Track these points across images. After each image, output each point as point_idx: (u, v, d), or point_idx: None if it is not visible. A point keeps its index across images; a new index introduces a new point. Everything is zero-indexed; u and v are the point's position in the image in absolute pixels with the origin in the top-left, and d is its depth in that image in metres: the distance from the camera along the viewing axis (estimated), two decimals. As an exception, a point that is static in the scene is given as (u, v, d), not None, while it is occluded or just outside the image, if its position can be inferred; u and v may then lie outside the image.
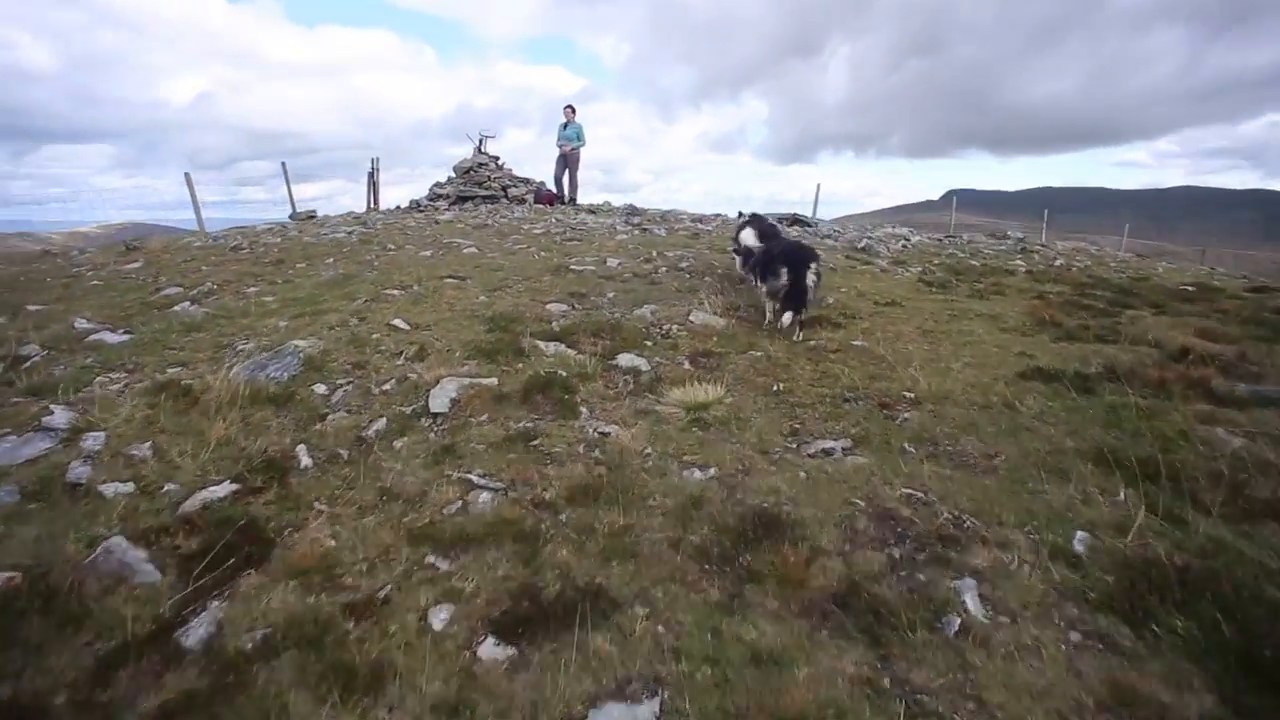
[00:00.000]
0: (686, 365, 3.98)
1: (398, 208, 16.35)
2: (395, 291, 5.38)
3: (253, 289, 5.68)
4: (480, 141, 17.27)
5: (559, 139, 14.55)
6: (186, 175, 15.06)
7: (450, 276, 5.95)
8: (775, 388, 3.63)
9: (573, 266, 6.33)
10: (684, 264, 6.63)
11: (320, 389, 3.60)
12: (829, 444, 3.01)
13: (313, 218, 16.38)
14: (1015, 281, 7.09)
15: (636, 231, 9.17)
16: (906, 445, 2.97)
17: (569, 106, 14.34)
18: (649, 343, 4.34)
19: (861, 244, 9.10)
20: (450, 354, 4.02)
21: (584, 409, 3.39)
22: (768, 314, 4.78)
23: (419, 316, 4.70)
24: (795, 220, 14.62)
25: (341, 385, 3.65)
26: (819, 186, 20.11)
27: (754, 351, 4.17)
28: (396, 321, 4.52)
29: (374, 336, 4.28)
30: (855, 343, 4.32)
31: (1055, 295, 6.24)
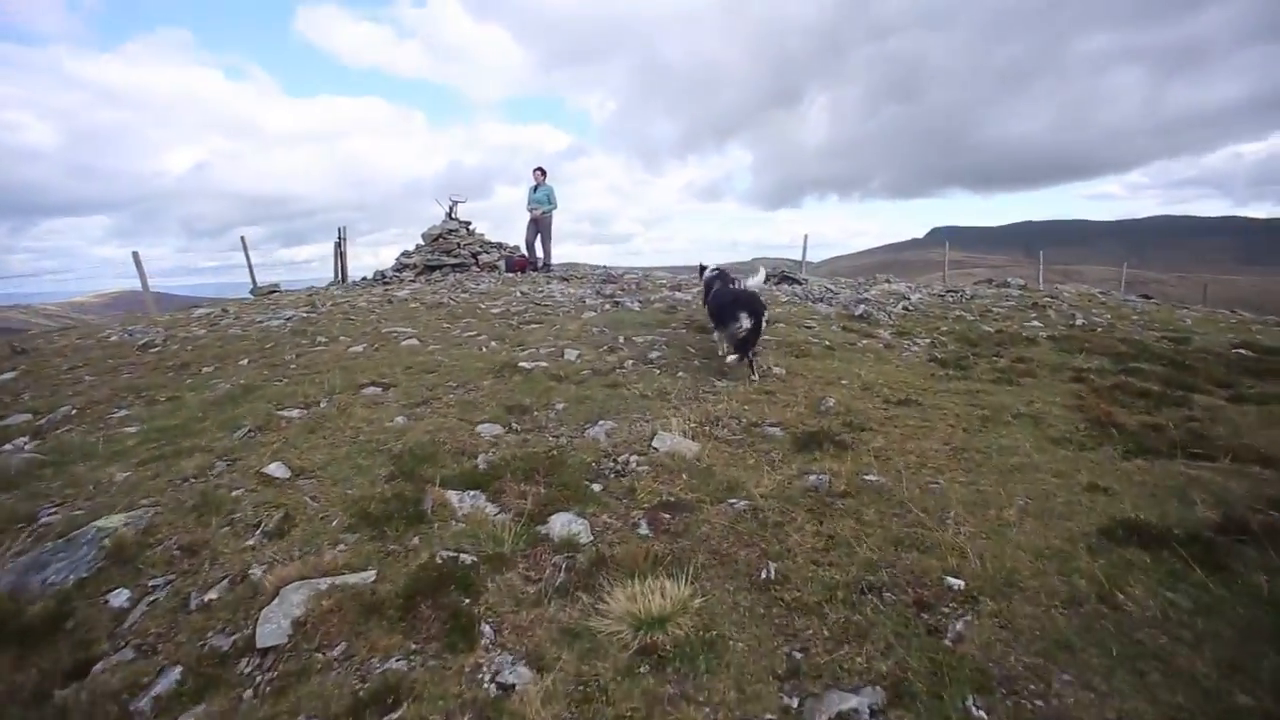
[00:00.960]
0: (643, 527, 2.91)
1: (364, 279, 15.51)
2: (294, 413, 4.34)
3: (122, 412, 4.63)
4: (451, 207, 16.60)
5: (529, 203, 13.83)
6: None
7: (373, 384, 4.93)
8: (764, 572, 2.56)
9: (522, 364, 5.33)
10: (654, 352, 5.64)
11: (116, 600, 2.51)
12: (850, 701, 1.93)
13: (274, 292, 15.49)
14: (1041, 354, 6.12)
15: (608, 305, 8.24)
16: (969, 701, 1.89)
17: (538, 169, 13.66)
18: (597, 486, 3.29)
19: (859, 311, 8.18)
20: (324, 524, 2.95)
21: (486, 627, 2.31)
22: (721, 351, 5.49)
23: (307, 455, 3.64)
24: (784, 278, 13.80)
25: (152, 592, 2.56)
26: (806, 238, 19.46)
27: (735, 499, 3.11)
28: (272, 468, 3.46)
29: (234, 494, 3.21)
30: (868, 477, 3.27)
31: (1096, 374, 5.25)
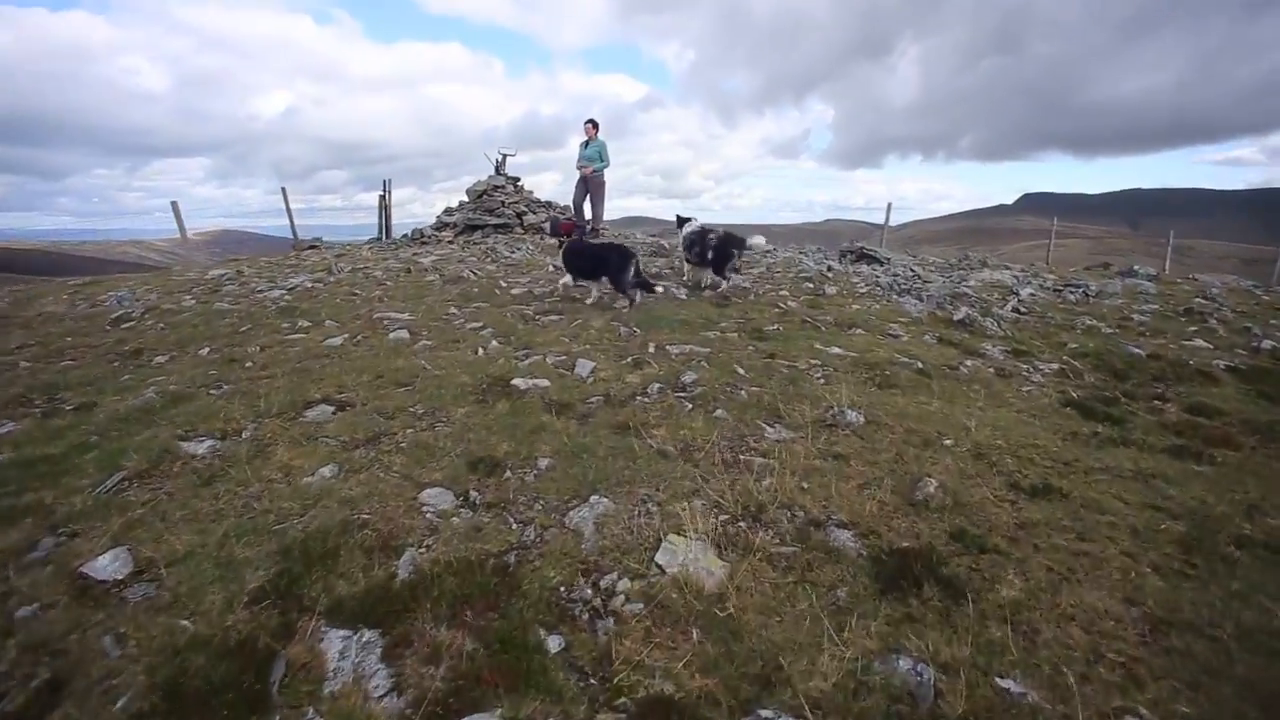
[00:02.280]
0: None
1: (404, 236, 14.65)
2: (201, 447, 3.30)
3: (7, 427, 3.72)
4: (499, 161, 15.39)
5: (579, 160, 12.44)
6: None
7: (323, 401, 3.85)
8: None
9: (518, 380, 4.13)
10: (690, 374, 4.31)
11: None
12: None
13: (313, 248, 14.88)
14: (1230, 401, 4.43)
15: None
16: None
17: (590, 122, 12.22)
18: (554, 643, 2.08)
19: (960, 314, 6.53)
20: (105, 704, 1.87)
21: None
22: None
23: (172, 534, 2.57)
24: (862, 256, 12.04)
25: None
26: (889, 209, 17.34)
27: (770, 709, 1.84)
28: (103, 561, 2.41)
29: (16, 616, 2.19)
30: (1004, 684, 1.92)
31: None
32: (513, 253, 10.18)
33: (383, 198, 16.20)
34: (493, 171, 15.32)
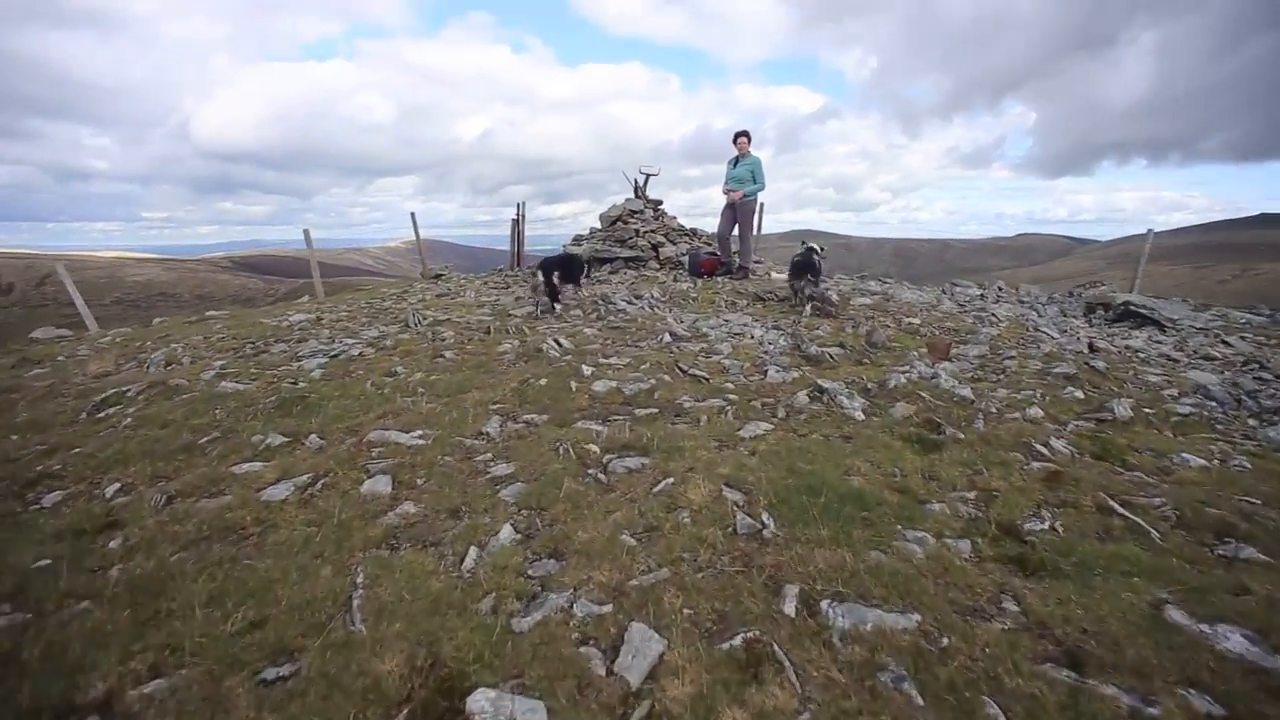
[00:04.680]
0: None
1: (529, 269, 13.19)
2: None
3: None
4: (642, 181, 13.42)
5: (725, 182, 10.05)
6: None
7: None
8: None
9: (477, 704, 1.85)
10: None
11: None
12: None
13: (440, 277, 13.94)
14: None
15: (804, 395, 4.37)
16: None
17: (741, 134, 9.76)
18: None
19: None
20: None
21: None
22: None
23: None
24: (1127, 314, 8.36)
25: None
26: (1147, 249, 12.86)
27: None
28: None
29: None
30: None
31: None
32: (630, 303, 8.01)
33: (515, 222, 14.97)
34: (632, 194, 13.39)
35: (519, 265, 14.34)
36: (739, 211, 9.94)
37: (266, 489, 3.28)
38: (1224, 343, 6.85)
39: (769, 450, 3.61)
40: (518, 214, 14.98)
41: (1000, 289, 11.81)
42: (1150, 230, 13.00)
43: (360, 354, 6.02)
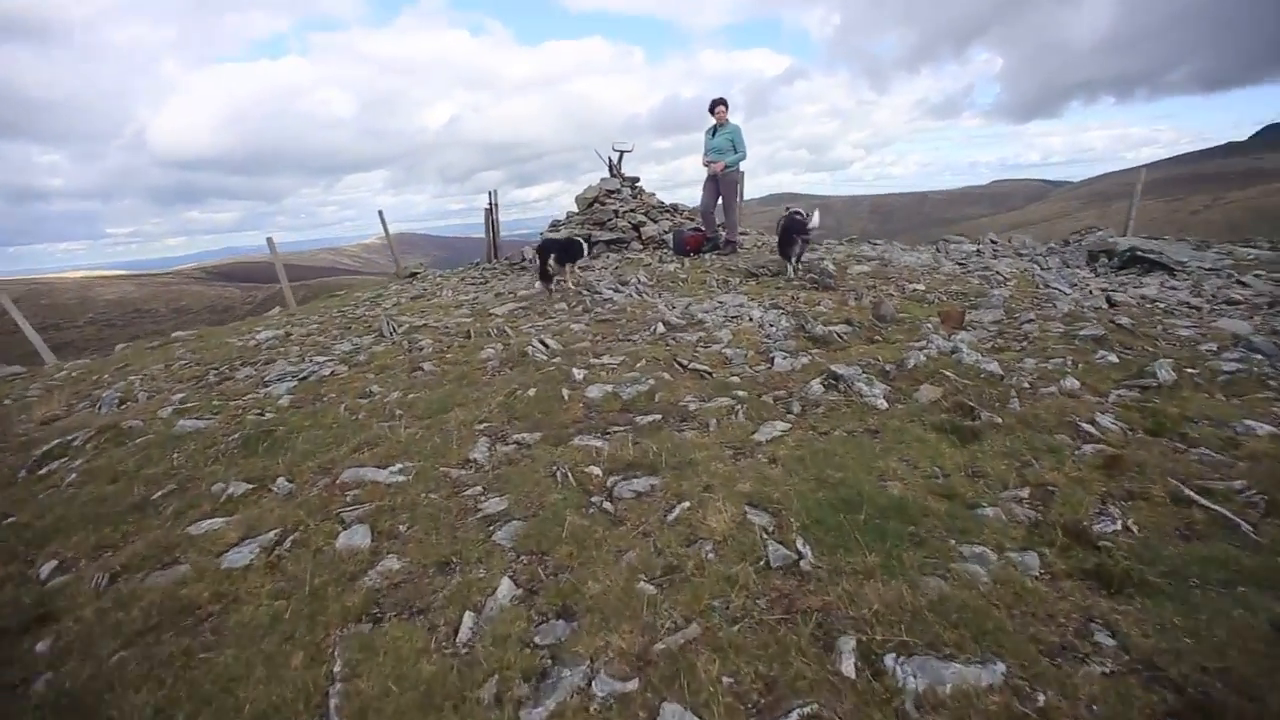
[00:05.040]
0: None
1: (506, 259, 12.67)
2: None
3: None
4: (616, 159, 12.87)
5: (705, 153, 9.57)
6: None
7: None
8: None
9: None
10: None
11: None
12: None
13: (415, 275, 13.39)
14: None
15: (819, 387, 4.00)
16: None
17: (718, 102, 9.24)
18: None
19: None
20: None
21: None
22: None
23: None
24: (1134, 259, 8.05)
25: None
26: (1139, 188, 12.53)
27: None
28: None
29: None
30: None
31: None
32: (617, 290, 7.58)
33: (489, 211, 14.38)
34: (607, 173, 12.84)
35: (496, 257, 13.80)
36: (721, 183, 9.45)
37: (228, 553, 2.86)
38: (1240, 283, 6.55)
39: (791, 455, 3.24)
40: (490, 203, 14.39)
41: (994, 242, 11.47)
42: (1142, 168, 12.66)
43: (332, 373, 5.57)
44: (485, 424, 4.03)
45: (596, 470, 3.24)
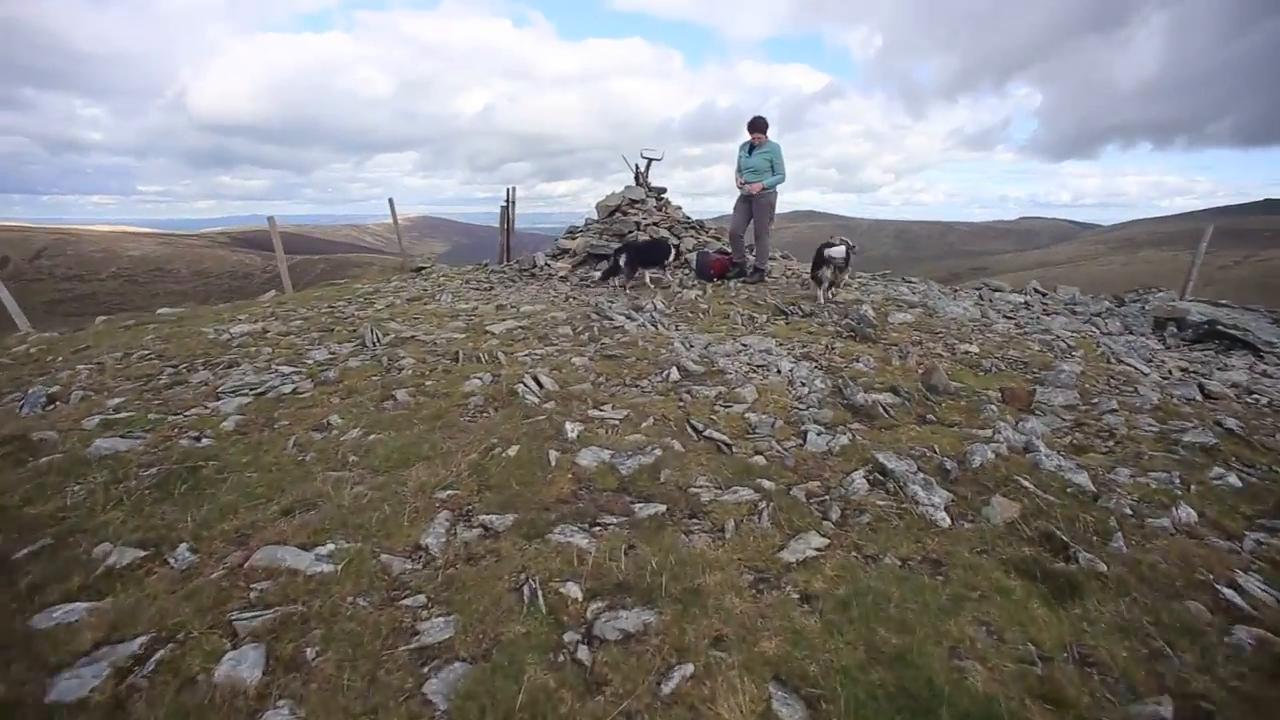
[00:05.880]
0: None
1: (517, 263, 11.96)
2: None
3: None
4: (643, 166, 12.14)
5: (738, 172, 8.82)
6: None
7: None
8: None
9: None
10: None
11: None
12: None
13: (420, 271, 12.73)
14: None
15: (861, 482, 3.22)
16: None
17: (757, 121, 8.48)
18: None
19: None
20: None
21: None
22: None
23: None
24: (1211, 334, 7.21)
25: None
26: (1203, 246, 11.64)
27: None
28: None
29: None
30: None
31: None
32: (630, 317, 6.82)
33: (505, 209, 13.68)
34: (632, 181, 12.10)
35: (508, 258, 13.09)
36: (755, 205, 8.68)
37: (63, 676, 2.12)
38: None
39: (830, 593, 2.47)
40: (507, 199, 13.70)
41: (1039, 292, 10.61)
42: (1209, 227, 11.74)
43: (294, 390, 4.85)
44: (450, 491, 3.28)
45: (575, 591, 2.48)
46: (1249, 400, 4.93)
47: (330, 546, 2.80)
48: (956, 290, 10.25)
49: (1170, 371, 5.72)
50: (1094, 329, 7.54)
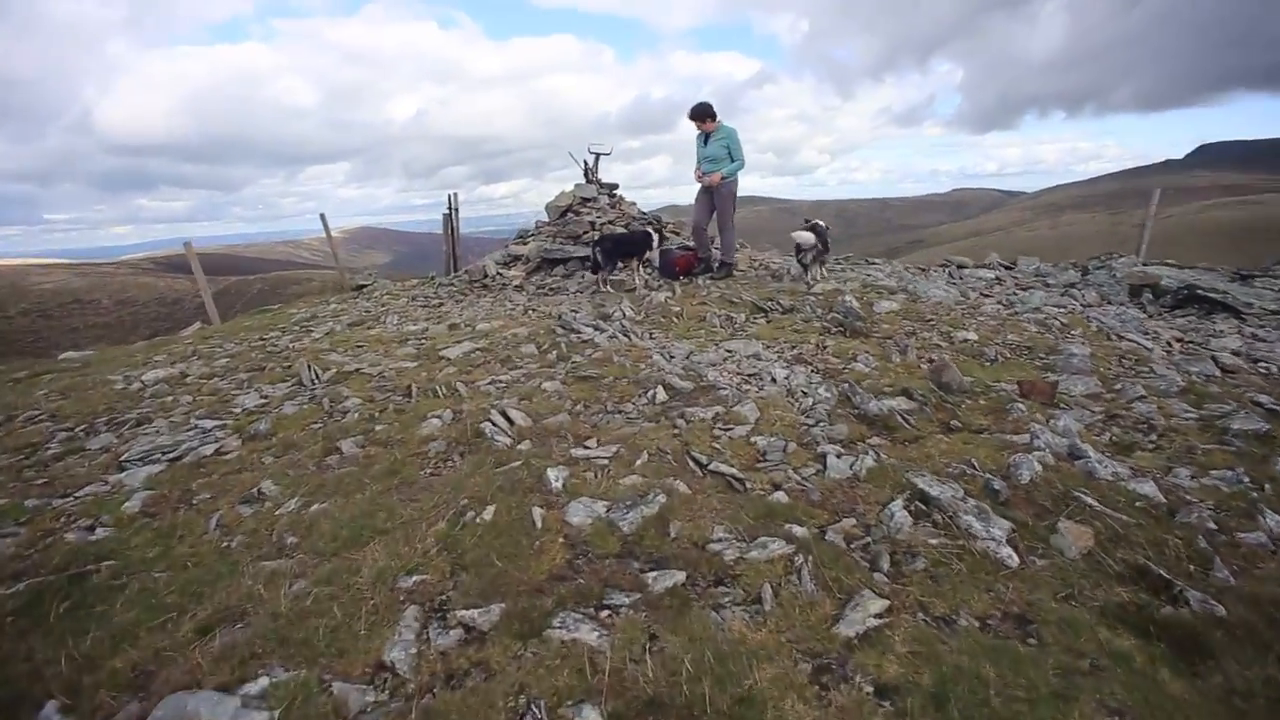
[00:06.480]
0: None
1: (465, 273, 11.19)
2: None
3: None
4: (592, 162, 11.52)
5: (698, 165, 8.32)
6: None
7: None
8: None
9: None
10: None
11: None
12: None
13: (362, 290, 11.83)
14: None
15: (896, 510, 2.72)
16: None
17: (699, 108, 8.02)
18: None
19: None
20: None
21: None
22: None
23: None
24: (1191, 298, 7.08)
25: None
26: (1152, 209, 11.76)
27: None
28: None
29: None
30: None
31: None
32: (598, 328, 6.22)
33: (448, 217, 12.86)
34: (582, 178, 11.47)
35: (456, 268, 12.29)
36: (717, 196, 8.20)
37: None
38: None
39: (913, 685, 1.96)
40: (450, 207, 12.88)
41: (1006, 266, 10.48)
42: (1157, 190, 11.87)
43: (218, 450, 4.11)
44: (416, 576, 2.65)
45: (594, 717, 1.91)
46: (1263, 370, 4.69)
47: (264, 682, 2.14)
48: (925, 270, 10.01)
49: (1169, 344, 5.48)
50: (1073, 301, 7.32)
